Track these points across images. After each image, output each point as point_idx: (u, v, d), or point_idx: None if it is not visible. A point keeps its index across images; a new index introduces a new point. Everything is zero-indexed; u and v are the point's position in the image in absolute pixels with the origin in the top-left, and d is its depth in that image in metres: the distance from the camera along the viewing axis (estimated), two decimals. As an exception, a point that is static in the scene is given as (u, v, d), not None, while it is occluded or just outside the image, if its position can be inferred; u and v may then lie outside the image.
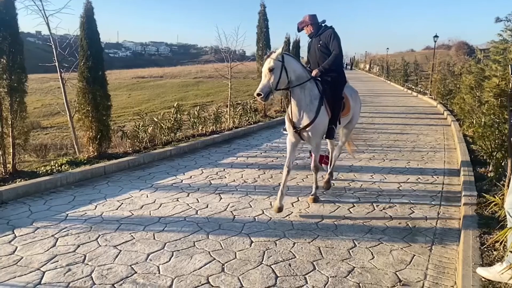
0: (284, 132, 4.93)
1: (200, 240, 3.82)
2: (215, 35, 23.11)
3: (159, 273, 3.21)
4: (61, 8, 7.03)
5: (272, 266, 3.36)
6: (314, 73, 4.70)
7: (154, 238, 3.84)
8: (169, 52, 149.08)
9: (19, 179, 5.15)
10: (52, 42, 7.08)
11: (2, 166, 5.41)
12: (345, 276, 3.23)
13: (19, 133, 5.65)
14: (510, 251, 2.89)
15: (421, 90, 25.75)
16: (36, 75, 25.50)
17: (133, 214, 4.47)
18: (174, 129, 8.39)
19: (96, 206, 4.67)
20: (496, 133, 6.27)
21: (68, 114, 7.33)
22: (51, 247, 3.60)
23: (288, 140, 4.81)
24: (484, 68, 9.35)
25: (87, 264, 3.32)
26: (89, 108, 6.64)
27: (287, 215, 4.52)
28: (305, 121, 4.52)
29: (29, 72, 5.79)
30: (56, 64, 7.21)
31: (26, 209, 4.52)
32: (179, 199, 4.99)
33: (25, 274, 3.13)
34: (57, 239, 3.77)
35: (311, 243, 3.83)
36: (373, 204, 4.98)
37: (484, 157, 6.80)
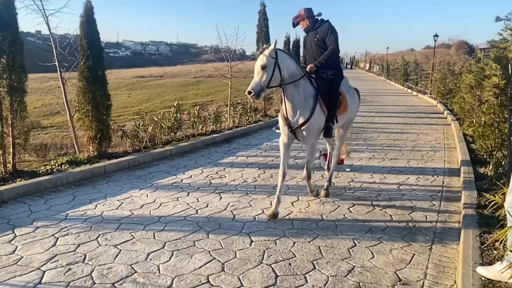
0: (277, 130, 4.80)
1: (200, 240, 3.82)
2: (215, 35, 23.11)
3: (159, 272, 3.21)
4: (61, 7, 7.04)
5: (272, 265, 3.36)
6: (308, 68, 4.55)
7: (154, 238, 3.84)
8: (169, 52, 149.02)
9: (19, 179, 5.15)
10: (52, 42, 7.08)
11: (2, 165, 5.41)
12: (345, 276, 3.23)
13: (19, 133, 5.65)
14: (510, 250, 2.89)
15: (421, 89, 25.74)
16: (36, 74, 25.48)
17: (133, 213, 4.47)
18: (174, 129, 8.39)
19: (96, 206, 4.67)
20: (496, 132, 6.28)
21: (68, 113, 7.33)
22: (51, 247, 3.60)
23: (280, 141, 4.67)
24: (484, 67, 9.35)
25: (87, 263, 3.32)
26: (89, 108, 6.64)
27: (287, 214, 4.52)
28: (300, 119, 4.38)
29: (29, 72, 5.79)
30: (56, 63, 7.21)
31: (26, 208, 4.52)
32: (179, 199, 4.99)
33: (25, 274, 3.13)
34: (57, 238, 3.77)
35: (311, 242, 3.83)
36: (373, 203, 4.98)
37: (484, 156, 6.81)
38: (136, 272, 3.20)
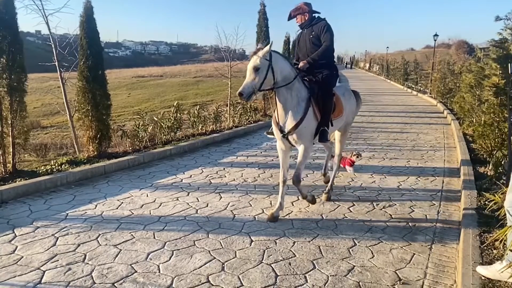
0: (269, 135, 4.67)
1: (200, 239, 3.82)
2: (215, 34, 23.13)
3: (159, 272, 3.21)
4: (60, 7, 7.04)
5: (272, 265, 3.36)
6: (301, 64, 4.38)
7: (154, 237, 3.84)
8: (169, 51, 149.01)
9: (19, 179, 5.15)
10: (52, 42, 7.08)
11: (2, 165, 5.41)
12: (345, 275, 3.23)
13: (19, 133, 5.65)
14: (510, 250, 2.89)
15: (421, 89, 25.73)
16: (36, 74, 25.47)
17: (133, 213, 4.47)
18: (174, 129, 8.39)
19: (96, 206, 4.67)
20: (496, 131, 6.28)
21: (68, 113, 7.33)
22: (51, 247, 3.60)
23: (278, 147, 4.52)
24: (484, 67, 9.36)
25: (87, 263, 3.32)
26: (89, 108, 6.64)
27: (287, 214, 4.52)
28: (290, 124, 4.18)
29: (29, 72, 5.79)
30: (56, 63, 7.21)
31: (26, 208, 4.52)
32: (179, 198, 4.99)
33: (25, 274, 3.13)
34: (57, 238, 3.77)
35: (311, 242, 3.83)
36: (373, 203, 4.98)
37: (484, 156, 6.81)
38: (136, 271, 3.20)
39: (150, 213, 4.48)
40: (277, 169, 6.44)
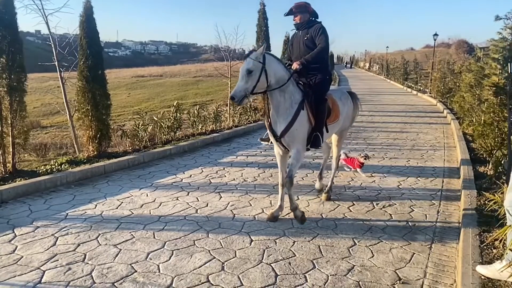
0: (263, 142, 4.61)
1: (200, 239, 3.82)
2: (214, 34, 23.14)
3: (159, 271, 3.21)
4: (60, 7, 7.04)
5: (272, 264, 3.37)
6: (294, 65, 4.23)
7: (154, 237, 3.84)
8: (168, 51, 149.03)
9: (19, 179, 5.15)
10: (51, 41, 7.08)
11: (2, 165, 5.41)
12: (345, 275, 3.23)
13: (18, 133, 5.65)
14: (509, 249, 2.89)
15: (421, 88, 25.74)
16: (36, 74, 25.49)
17: (133, 213, 4.48)
18: (174, 128, 8.39)
19: (96, 205, 4.67)
20: (496, 131, 6.28)
21: (67, 113, 7.33)
22: (51, 246, 3.60)
23: (275, 151, 4.45)
24: (483, 66, 9.36)
25: (87, 263, 3.32)
26: (88, 107, 6.64)
27: (287, 214, 4.52)
28: (282, 126, 4.06)
29: (29, 71, 5.79)
30: (56, 63, 7.21)
31: (26, 208, 4.52)
32: (179, 198, 4.99)
33: (25, 273, 3.13)
34: (57, 238, 3.77)
35: (311, 241, 3.83)
36: (373, 202, 4.98)
37: (484, 155, 6.81)
38: (136, 271, 3.20)
39: (150, 213, 4.48)
40: (277, 168, 6.42)
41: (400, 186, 5.70)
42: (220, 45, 11.51)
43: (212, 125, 9.66)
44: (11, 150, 5.54)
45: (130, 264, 3.31)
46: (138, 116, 8.50)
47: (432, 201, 5.08)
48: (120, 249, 3.58)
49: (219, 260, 3.42)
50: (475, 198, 4.78)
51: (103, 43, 8.21)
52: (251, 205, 4.81)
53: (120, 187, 5.37)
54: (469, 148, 7.82)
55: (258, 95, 4.23)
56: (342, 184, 5.77)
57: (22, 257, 3.40)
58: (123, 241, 3.74)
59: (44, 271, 3.17)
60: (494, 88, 6.42)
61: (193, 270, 3.25)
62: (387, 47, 53.97)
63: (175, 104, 8.91)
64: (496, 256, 3.34)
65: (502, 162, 5.79)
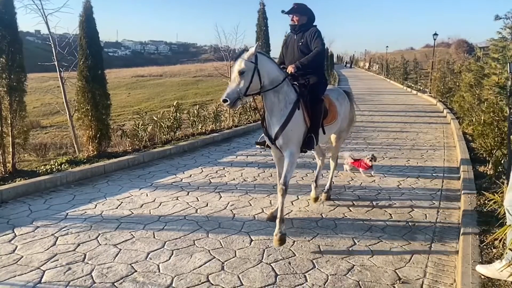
0: (257, 146, 4.48)
1: (200, 239, 3.82)
2: (214, 34, 23.13)
3: (159, 271, 3.22)
4: (60, 7, 7.06)
5: (272, 264, 3.37)
6: (289, 69, 4.06)
7: (154, 237, 3.84)
8: (168, 51, 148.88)
9: (19, 179, 5.15)
10: (51, 41, 7.08)
11: (2, 165, 5.41)
12: (345, 274, 3.23)
13: (18, 133, 5.66)
14: (509, 249, 2.90)
15: (421, 88, 25.75)
16: (36, 74, 25.49)
17: (133, 213, 4.48)
18: (173, 128, 8.39)
19: (96, 205, 4.67)
20: (496, 131, 6.28)
21: (67, 113, 7.33)
22: (51, 246, 3.60)
23: (272, 154, 4.32)
24: (483, 66, 9.36)
25: (87, 263, 3.32)
26: (88, 107, 6.64)
27: (286, 214, 4.52)
28: (276, 127, 3.86)
29: (29, 71, 5.80)
30: (56, 63, 7.21)
31: (26, 208, 4.52)
32: (179, 198, 5.00)
33: (25, 273, 3.14)
34: (57, 238, 3.77)
35: (310, 241, 3.83)
36: (373, 202, 4.98)
37: (484, 155, 6.81)
38: (136, 271, 3.21)
39: (150, 213, 4.48)
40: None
41: (400, 186, 5.70)
42: (220, 45, 11.53)
43: (212, 125, 9.65)
44: (11, 150, 5.54)
45: (130, 264, 3.31)
46: (138, 116, 8.49)
47: (432, 200, 5.08)
48: (120, 249, 3.58)
49: (219, 260, 3.42)
50: (475, 198, 4.79)
51: (102, 43, 8.21)
52: (251, 205, 4.81)
53: (120, 187, 5.37)
54: (469, 147, 7.82)
55: (254, 96, 3.98)
56: (342, 184, 5.77)
57: (22, 257, 3.40)
58: (123, 241, 3.74)
59: (44, 271, 3.17)
60: (498, 88, 6.41)
61: (193, 270, 3.25)
62: (387, 46, 54.01)
63: (175, 104, 8.90)
64: (496, 255, 3.35)
65: (502, 161, 5.80)
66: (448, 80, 18.02)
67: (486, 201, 4.35)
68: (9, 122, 5.50)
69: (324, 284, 3.08)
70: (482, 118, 7.23)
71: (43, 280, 3.04)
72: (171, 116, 8.52)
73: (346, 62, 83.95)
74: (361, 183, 5.82)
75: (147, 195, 5.07)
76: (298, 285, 3.06)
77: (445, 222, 4.38)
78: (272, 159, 7.07)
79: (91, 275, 3.13)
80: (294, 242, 3.80)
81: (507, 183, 3.25)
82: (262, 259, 3.45)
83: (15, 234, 3.84)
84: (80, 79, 6.67)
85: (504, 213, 3.17)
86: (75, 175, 5.60)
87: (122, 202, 4.79)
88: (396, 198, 5.14)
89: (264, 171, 6.36)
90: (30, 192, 4.99)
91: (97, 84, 6.71)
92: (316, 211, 4.65)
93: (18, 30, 5.63)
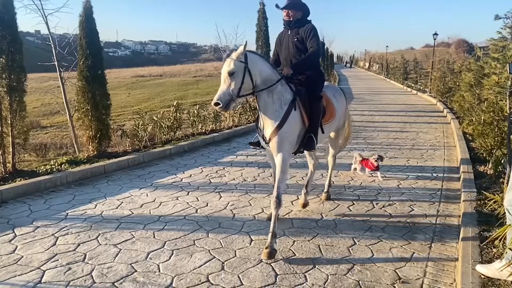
0: (252, 147, 4.38)
1: (200, 239, 3.82)
2: (214, 34, 23.13)
3: (159, 271, 3.22)
4: (60, 7, 7.07)
5: (272, 264, 3.37)
6: (285, 72, 3.90)
7: (154, 237, 3.85)
8: (168, 51, 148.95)
9: (19, 179, 5.15)
10: (51, 41, 7.09)
11: (2, 165, 5.41)
12: (345, 274, 3.23)
13: (18, 133, 5.66)
14: (509, 248, 2.90)
15: (421, 88, 25.74)
16: (36, 74, 25.49)
17: (133, 213, 4.48)
18: (173, 128, 8.39)
19: (96, 205, 4.67)
20: (496, 130, 6.28)
21: (67, 113, 7.34)
22: (51, 246, 3.60)
23: (268, 156, 4.21)
24: (483, 65, 9.36)
25: (87, 263, 3.33)
26: (88, 107, 6.64)
27: (286, 213, 4.52)
28: (269, 129, 3.67)
29: (29, 71, 5.79)
30: (56, 63, 7.22)
31: (26, 208, 4.52)
32: (179, 198, 5.00)
33: (25, 273, 3.14)
34: (57, 238, 3.77)
35: (310, 241, 3.83)
36: (373, 202, 4.98)
37: (484, 155, 6.81)
38: (136, 271, 3.21)
39: (150, 213, 4.48)
40: (277, 168, 6.43)
41: (400, 186, 5.70)
42: (219, 44, 11.53)
43: (212, 125, 9.66)
44: (11, 150, 5.54)
45: (130, 264, 3.31)
46: (138, 116, 8.49)
47: (432, 200, 5.08)
48: (120, 249, 3.58)
49: (219, 259, 3.42)
50: (475, 198, 4.79)
51: (102, 43, 8.21)
52: (251, 204, 4.81)
53: (120, 187, 5.37)
54: (469, 147, 7.82)
55: (248, 97, 3.82)
56: (342, 183, 5.77)
57: (22, 257, 3.40)
58: (123, 241, 3.74)
59: (44, 271, 3.17)
60: (499, 88, 6.40)
61: (193, 269, 3.25)
62: (387, 46, 54.00)
63: (175, 104, 8.90)
64: (496, 255, 3.35)
65: (502, 161, 5.79)
66: (448, 79, 18.01)
67: (486, 201, 4.35)
68: (9, 122, 5.51)
69: (324, 284, 3.09)
70: (482, 117, 7.22)
71: (43, 280, 3.05)
72: (171, 116, 8.52)
73: (346, 62, 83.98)
74: (361, 183, 5.82)
75: (147, 195, 5.08)
76: (298, 285, 3.06)
77: (445, 222, 4.38)
78: (272, 159, 7.10)
79: (91, 275, 3.13)
80: (294, 242, 3.80)
81: (507, 183, 3.25)
82: (262, 259, 3.45)
83: (15, 234, 3.84)
84: (80, 79, 6.67)
85: (504, 213, 3.17)
86: (75, 175, 5.60)
87: (122, 202, 4.79)
88: (396, 198, 5.14)
89: (264, 171, 6.36)
90: (30, 192, 4.99)
91: (97, 84, 6.71)
92: (316, 211, 4.65)
93: (18, 30, 5.63)
